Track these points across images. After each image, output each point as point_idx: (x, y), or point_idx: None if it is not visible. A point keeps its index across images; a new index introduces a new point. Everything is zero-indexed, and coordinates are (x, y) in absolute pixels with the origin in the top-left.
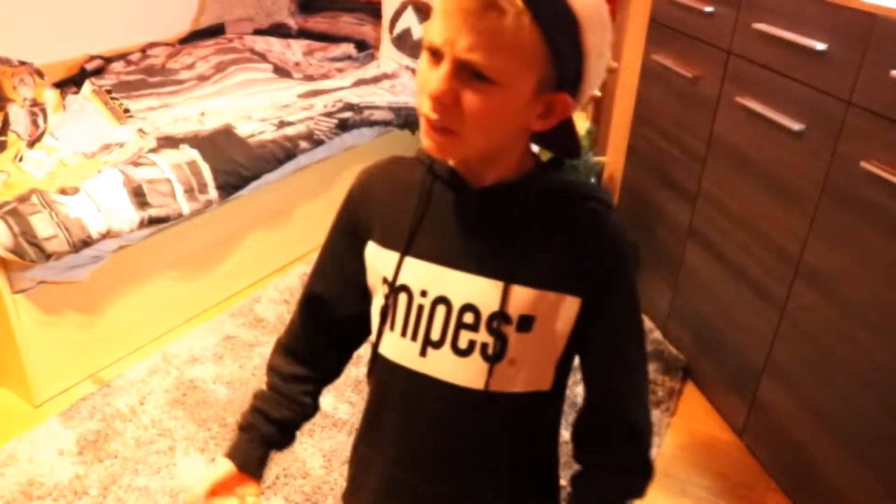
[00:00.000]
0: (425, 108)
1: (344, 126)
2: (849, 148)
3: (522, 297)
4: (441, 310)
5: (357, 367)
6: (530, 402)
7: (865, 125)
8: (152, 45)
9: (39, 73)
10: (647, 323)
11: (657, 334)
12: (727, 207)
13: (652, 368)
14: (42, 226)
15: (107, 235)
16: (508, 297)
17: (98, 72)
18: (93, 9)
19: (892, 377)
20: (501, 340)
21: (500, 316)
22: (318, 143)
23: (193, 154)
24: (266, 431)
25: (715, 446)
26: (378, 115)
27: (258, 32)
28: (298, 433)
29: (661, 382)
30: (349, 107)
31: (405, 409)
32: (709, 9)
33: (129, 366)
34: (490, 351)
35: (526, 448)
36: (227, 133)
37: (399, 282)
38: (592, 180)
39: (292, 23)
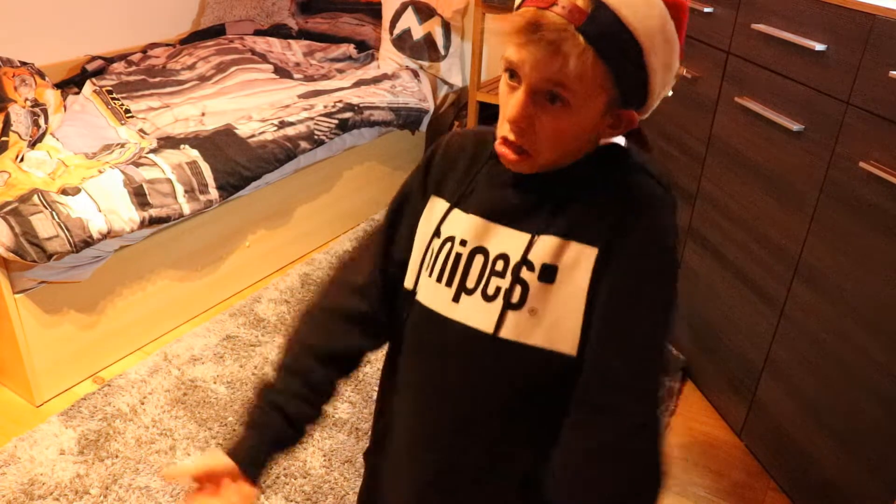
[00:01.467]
0: (503, 130)
1: (344, 126)
2: (848, 148)
3: (545, 246)
4: (479, 259)
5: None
6: (554, 364)
7: (864, 125)
8: (153, 45)
9: (40, 74)
10: None
11: None
12: (726, 207)
13: None
14: (43, 226)
15: (108, 235)
16: (532, 246)
17: (99, 72)
18: (93, 9)
19: (891, 376)
20: (522, 286)
21: (524, 262)
22: (318, 143)
23: (194, 154)
24: (280, 431)
25: (715, 446)
26: (378, 115)
27: (259, 33)
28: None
29: (661, 382)
30: (349, 107)
31: (433, 353)
32: (708, 9)
33: (129, 365)
34: (513, 299)
35: (549, 421)
36: (227, 133)
37: (443, 229)
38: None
39: (293, 23)
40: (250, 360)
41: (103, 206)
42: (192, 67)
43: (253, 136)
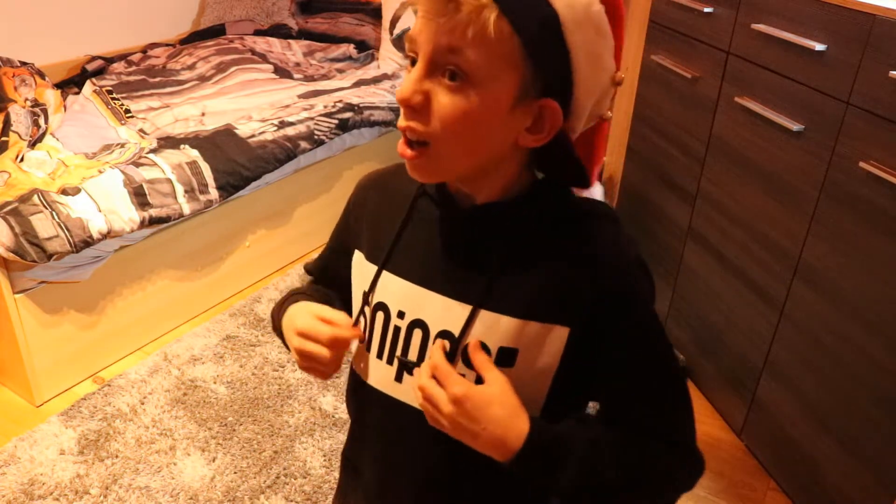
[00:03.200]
0: (400, 120)
1: (344, 126)
2: (848, 148)
3: (505, 328)
4: (418, 334)
5: None
6: None
7: (864, 125)
8: (153, 45)
9: (40, 74)
10: None
11: None
12: (726, 207)
13: None
14: (43, 226)
15: (108, 235)
16: (472, 322)
17: (99, 72)
18: (94, 9)
19: (891, 376)
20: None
21: (484, 347)
22: (318, 143)
23: (194, 154)
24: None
25: (715, 446)
26: (378, 115)
27: (259, 33)
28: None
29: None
30: (349, 107)
31: (382, 433)
32: (708, 9)
33: (129, 365)
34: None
35: (510, 483)
36: (227, 133)
37: (376, 299)
38: (599, 195)
39: (293, 23)
40: (250, 360)
41: (103, 206)
42: (192, 67)
43: (253, 136)
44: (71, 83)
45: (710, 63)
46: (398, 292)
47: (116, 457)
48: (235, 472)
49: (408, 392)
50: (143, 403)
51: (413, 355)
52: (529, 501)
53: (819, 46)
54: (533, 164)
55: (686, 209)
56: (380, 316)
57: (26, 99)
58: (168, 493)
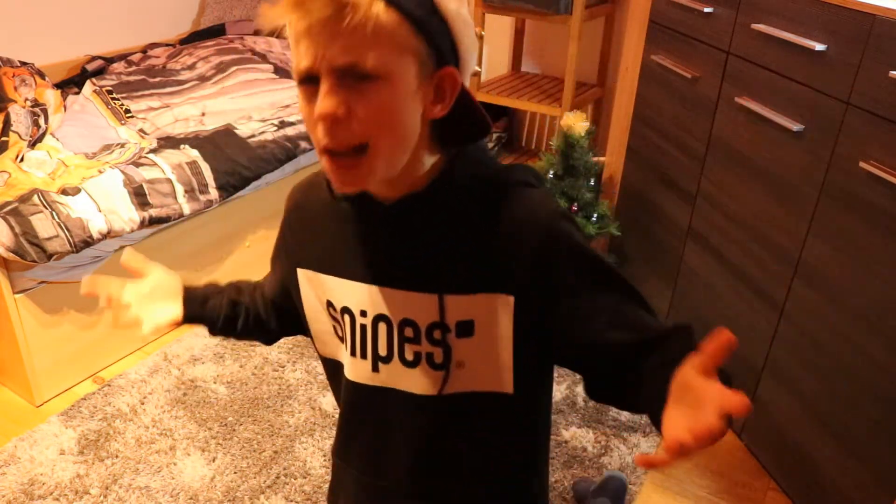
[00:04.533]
0: (323, 139)
1: None
2: (848, 148)
3: (456, 305)
4: (382, 327)
5: None
6: (491, 404)
7: (864, 125)
8: (153, 45)
9: (40, 74)
10: None
11: None
12: (726, 207)
13: None
14: (43, 226)
15: (108, 235)
16: (445, 308)
17: (99, 72)
18: (94, 9)
19: (891, 376)
20: (443, 348)
21: (440, 325)
22: None
23: (194, 154)
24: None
25: (715, 446)
26: None
27: (259, 33)
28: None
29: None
30: None
31: (371, 422)
32: (708, 9)
33: (129, 365)
34: (437, 360)
35: (496, 452)
36: (227, 133)
37: (339, 304)
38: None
39: None
40: (250, 360)
41: (103, 206)
42: (192, 67)
43: (253, 136)
44: (71, 83)
45: (710, 63)
46: (357, 295)
47: (116, 457)
48: (235, 472)
49: (386, 377)
50: (143, 403)
51: (382, 346)
52: (518, 463)
53: (819, 46)
54: (435, 138)
55: (686, 209)
56: (347, 319)
57: (26, 99)
58: (168, 493)
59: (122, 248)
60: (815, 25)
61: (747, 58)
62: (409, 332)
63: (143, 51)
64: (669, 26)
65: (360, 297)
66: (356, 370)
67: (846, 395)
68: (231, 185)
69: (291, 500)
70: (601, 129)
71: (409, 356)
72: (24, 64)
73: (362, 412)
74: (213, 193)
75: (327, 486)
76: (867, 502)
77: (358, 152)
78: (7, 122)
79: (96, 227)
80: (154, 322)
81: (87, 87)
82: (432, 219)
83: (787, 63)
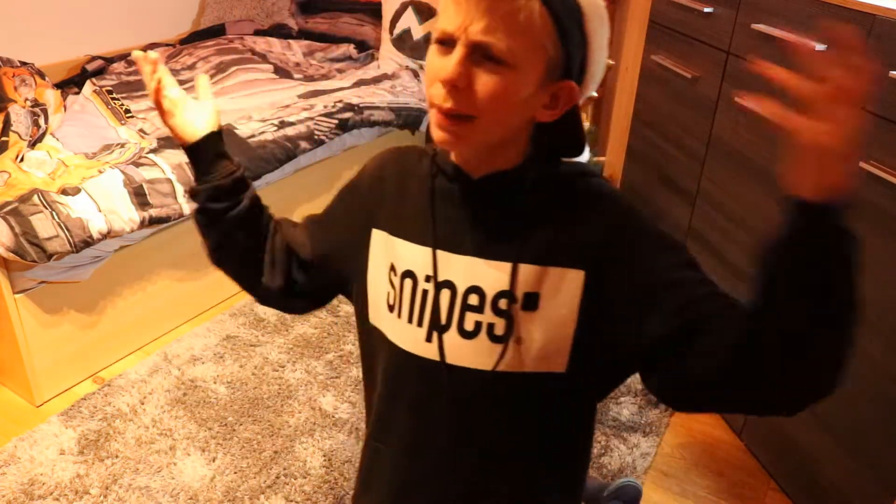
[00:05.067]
0: (438, 98)
1: (344, 126)
2: None
3: (527, 275)
4: (446, 293)
5: (357, 368)
6: (543, 385)
7: (864, 125)
8: (153, 45)
9: (40, 74)
10: None
11: None
12: (727, 207)
13: None
14: (43, 226)
15: (108, 235)
16: (517, 276)
17: (99, 72)
18: (94, 9)
19: (891, 376)
20: (506, 319)
21: (507, 294)
22: (318, 143)
23: None
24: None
25: (715, 446)
26: (378, 115)
27: (259, 33)
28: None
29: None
30: (349, 107)
31: (415, 395)
32: (708, 9)
33: (129, 365)
34: (498, 331)
35: (542, 438)
36: (227, 133)
37: (398, 264)
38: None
39: (293, 23)
40: (250, 360)
41: (103, 206)
42: (192, 67)
43: (253, 136)
44: (71, 83)
45: (710, 63)
46: (422, 259)
47: (116, 457)
48: (235, 472)
49: (435, 350)
50: (143, 403)
51: (443, 315)
52: (562, 451)
53: (819, 46)
54: (531, 136)
55: (686, 209)
56: (408, 283)
57: (26, 99)
58: (168, 493)
59: (122, 247)
60: (816, 25)
61: (747, 58)
62: (473, 299)
63: (143, 51)
64: (669, 26)
65: (427, 261)
66: (407, 337)
67: (846, 395)
68: None
69: (291, 500)
70: (601, 129)
71: (469, 326)
72: (24, 64)
73: (405, 384)
74: None
75: (327, 486)
76: (867, 502)
77: (464, 119)
78: (7, 122)
79: (96, 227)
80: (184, 113)
81: (87, 87)
82: (514, 194)
83: (788, 63)
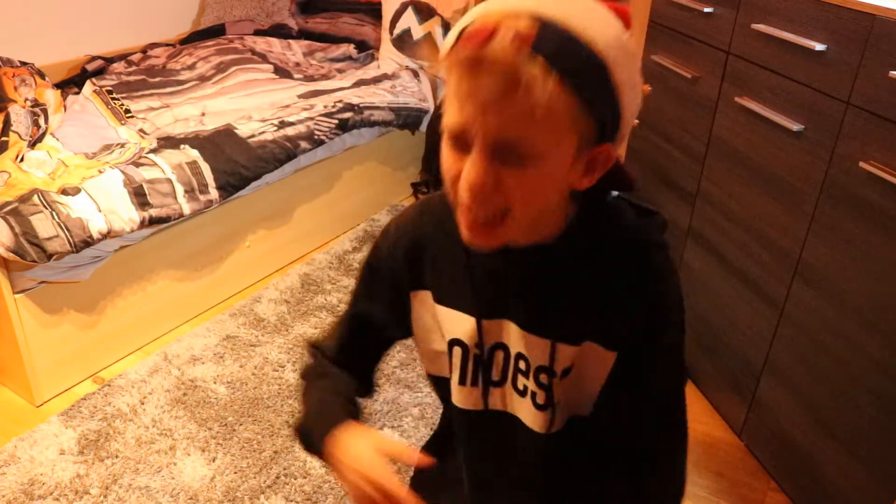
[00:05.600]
0: (465, 202)
1: (344, 126)
2: (848, 148)
3: (564, 353)
4: (499, 354)
5: None
6: (574, 429)
7: (864, 125)
8: (153, 45)
9: (40, 74)
10: None
11: None
12: (727, 207)
13: None
14: (43, 226)
15: (108, 235)
16: (556, 355)
17: (99, 72)
18: (94, 9)
19: (891, 376)
20: (546, 390)
21: (548, 370)
22: (318, 143)
23: (194, 154)
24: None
25: (715, 446)
26: (378, 115)
27: (259, 33)
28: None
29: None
30: (349, 107)
31: (476, 448)
32: (708, 9)
33: (129, 365)
34: (539, 400)
35: (585, 477)
36: (227, 133)
37: (449, 332)
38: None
39: (293, 23)
40: (250, 360)
41: (103, 206)
42: (192, 67)
43: (253, 136)
44: (71, 83)
45: (710, 63)
46: (471, 328)
47: (116, 457)
48: (235, 472)
49: (497, 402)
50: (143, 403)
51: (497, 372)
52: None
53: (819, 46)
54: (575, 194)
55: (686, 209)
56: (457, 350)
57: (26, 99)
58: (168, 493)
59: (122, 247)
60: (815, 25)
61: (747, 58)
62: (521, 364)
63: (143, 51)
64: (669, 26)
65: (475, 330)
66: (465, 398)
67: (846, 395)
68: (231, 185)
69: (291, 500)
70: None
71: (520, 386)
72: (24, 64)
73: (469, 437)
74: (213, 193)
75: (327, 485)
76: (867, 502)
77: (496, 222)
78: (7, 122)
79: (96, 227)
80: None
81: (87, 87)
82: (556, 269)
83: (787, 63)
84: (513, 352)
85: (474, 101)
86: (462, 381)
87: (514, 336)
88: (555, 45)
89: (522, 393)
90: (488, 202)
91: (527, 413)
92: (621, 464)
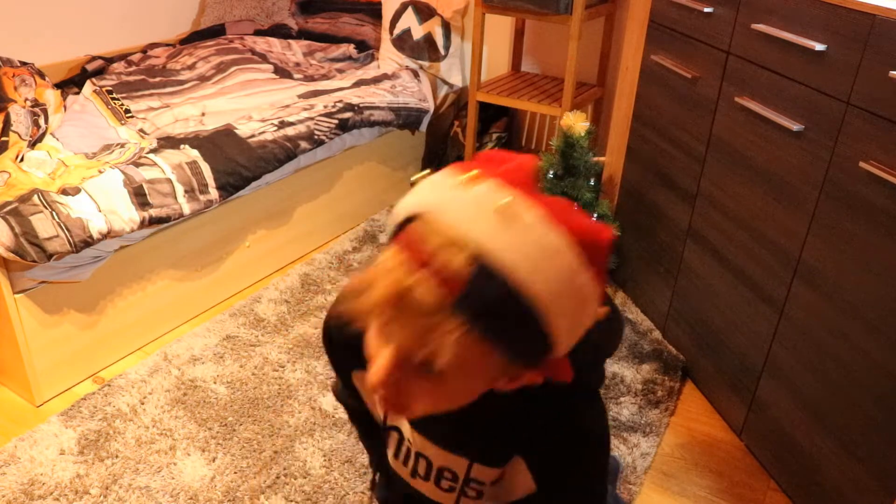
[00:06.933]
0: (372, 377)
1: (344, 126)
2: (848, 148)
3: (487, 473)
4: (423, 462)
5: None
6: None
7: (864, 125)
8: (153, 45)
9: (40, 74)
10: (647, 323)
11: (657, 334)
12: (726, 207)
13: (652, 368)
14: (43, 226)
15: (108, 235)
16: (471, 471)
17: (99, 72)
18: (94, 9)
19: (891, 376)
20: (476, 492)
21: (475, 482)
22: (318, 143)
23: (194, 154)
24: None
25: (714, 446)
26: (378, 115)
27: (259, 33)
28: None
29: (661, 382)
30: (349, 107)
31: (400, 488)
32: (708, 9)
33: (129, 365)
34: (471, 494)
35: None
36: (227, 133)
37: (389, 422)
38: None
39: (293, 23)
40: (250, 360)
41: (103, 206)
42: (192, 67)
43: (253, 136)
44: (71, 83)
45: (709, 63)
46: (407, 427)
47: (116, 457)
48: (235, 472)
49: (420, 485)
50: (143, 403)
51: (422, 471)
52: None
53: (819, 46)
54: None
55: (686, 209)
56: (394, 434)
57: (26, 99)
58: (168, 493)
59: (122, 247)
60: (815, 25)
61: (747, 58)
62: (447, 474)
63: (143, 51)
64: (669, 26)
65: (406, 429)
66: (398, 467)
67: (846, 395)
68: (231, 185)
69: (291, 500)
70: (601, 129)
71: (445, 486)
72: (24, 64)
73: (399, 486)
74: (213, 193)
75: (327, 486)
76: (867, 502)
77: (403, 407)
78: (7, 122)
79: (96, 227)
80: None
81: (87, 87)
82: (481, 400)
83: (787, 63)
84: (435, 465)
85: (390, 328)
86: (396, 456)
87: (436, 453)
88: (481, 303)
89: (448, 490)
90: (391, 399)
91: (446, 498)
92: None
